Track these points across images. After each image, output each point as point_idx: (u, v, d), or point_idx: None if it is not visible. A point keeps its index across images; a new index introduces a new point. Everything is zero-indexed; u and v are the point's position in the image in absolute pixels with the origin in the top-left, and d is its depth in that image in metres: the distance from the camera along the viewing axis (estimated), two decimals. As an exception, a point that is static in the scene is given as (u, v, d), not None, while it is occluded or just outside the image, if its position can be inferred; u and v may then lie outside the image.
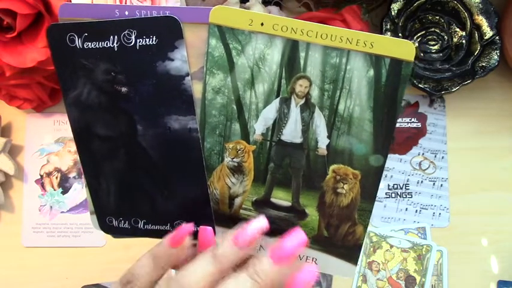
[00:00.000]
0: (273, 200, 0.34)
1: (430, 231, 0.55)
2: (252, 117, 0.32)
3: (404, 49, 0.30)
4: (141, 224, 0.35)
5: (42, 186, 0.56)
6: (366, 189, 0.33)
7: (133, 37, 0.31)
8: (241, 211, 0.34)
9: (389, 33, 0.52)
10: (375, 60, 0.30)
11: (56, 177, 0.57)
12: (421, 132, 0.57)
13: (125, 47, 0.31)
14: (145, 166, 0.34)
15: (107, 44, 0.32)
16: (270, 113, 0.32)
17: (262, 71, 0.32)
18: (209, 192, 0.34)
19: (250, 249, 0.30)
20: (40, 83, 0.52)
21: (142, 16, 0.31)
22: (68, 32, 0.32)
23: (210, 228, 0.34)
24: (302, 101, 0.32)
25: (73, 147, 0.56)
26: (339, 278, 0.55)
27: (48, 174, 0.57)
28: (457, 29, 0.53)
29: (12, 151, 0.56)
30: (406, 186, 0.56)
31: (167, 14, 0.31)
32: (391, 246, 0.55)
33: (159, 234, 0.35)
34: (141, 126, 0.33)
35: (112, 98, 0.33)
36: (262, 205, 0.34)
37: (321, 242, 0.34)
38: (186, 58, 0.31)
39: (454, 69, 0.52)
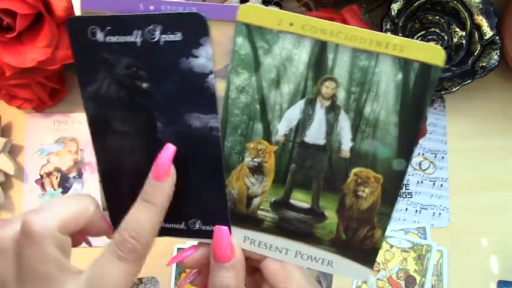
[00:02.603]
0: (292, 201, 0.33)
1: (430, 231, 0.55)
2: (275, 118, 0.32)
3: (434, 54, 0.30)
4: None
5: (42, 186, 0.56)
6: (387, 193, 0.32)
7: (157, 32, 0.31)
8: (259, 211, 0.34)
9: (389, 33, 0.52)
10: (404, 64, 0.30)
11: (56, 177, 0.57)
12: (421, 132, 0.57)
13: (148, 43, 0.31)
14: None
15: (129, 39, 0.31)
16: (294, 113, 0.32)
17: (288, 71, 0.31)
18: (227, 191, 0.33)
19: (171, 180, 0.31)
20: (40, 83, 0.52)
21: (168, 11, 0.31)
22: (90, 24, 0.31)
23: (225, 227, 0.33)
24: (327, 103, 0.32)
25: (73, 147, 0.56)
26: (339, 278, 0.55)
27: (48, 174, 0.57)
28: (457, 29, 0.53)
29: (12, 151, 0.56)
30: (406, 186, 0.56)
31: (194, 11, 0.30)
32: (391, 246, 0.55)
33: (173, 233, 0.34)
34: (160, 123, 0.32)
35: (132, 93, 0.32)
36: (280, 206, 0.34)
37: (338, 244, 0.34)
38: (211, 55, 0.31)
39: (454, 69, 0.52)
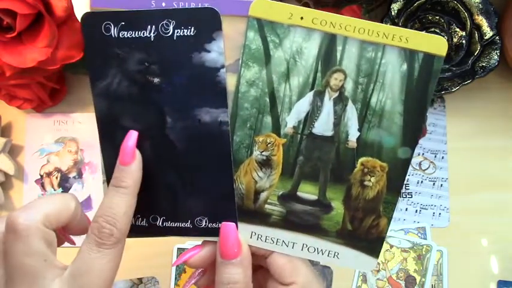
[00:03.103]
0: (299, 193, 0.34)
1: (430, 231, 0.55)
2: (284, 110, 0.32)
3: (437, 44, 0.31)
4: (160, 221, 0.34)
5: (42, 186, 0.56)
6: (392, 181, 0.33)
7: (171, 27, 0.31)
8: (266, 206, 0.34)
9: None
10: (409, 55, 0.31)
11: (56, 177, 0.57)
12: (421, 132, 0.57)
13: (161, 37, 0.31)
14: (170, 159, 0.33)
15: (143, 34, 0.31)
16: (303, 106, 0.32)
17: (298, 64, 0.32)
18: (234, 187, 0.33)
19: (136, 162, 0.32)
20: (40, 83, 0.52)
21: (181, 7, 0.31)
22: (105, 20, 0.31)
23: (232, 224, 0.33)
24: (336, 94, 0.32)
25: (73, 147, 0.56)
26: (339, 277, 0.55)
27: (48, 174, 0.57)
28: (457, 29, 0.53)
29: (12, 151, 0.56)
30: (406, 186, 0.56)
31: (206, 6, 0.31)
32: (391, 246, 0.55)
33: (178, 232, 0.34)
34: (170, 118, 0.32)
35: (143, 88, 0.32)
36: (288, 199, 0.34)
37: (344, 235, 0.34)
38: (223, 50, 0.31)
39: (454, 69, 0.53)
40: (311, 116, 0.33)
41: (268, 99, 0.32)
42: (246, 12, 0.31)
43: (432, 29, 0.54)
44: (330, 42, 0.31)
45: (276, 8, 0.31)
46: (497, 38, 0.51)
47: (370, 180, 0.33)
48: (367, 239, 0.34)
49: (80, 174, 0.56)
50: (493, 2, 0.52)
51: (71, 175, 0.57)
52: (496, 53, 0.52)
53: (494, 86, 0.57)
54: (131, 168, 0.31)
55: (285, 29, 0.31)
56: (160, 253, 0.54)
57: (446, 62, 0.53)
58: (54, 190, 0.56)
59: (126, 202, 0.31)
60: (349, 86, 0.32)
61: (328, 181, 0.34)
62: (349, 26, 0.31)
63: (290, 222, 0.34)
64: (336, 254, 0.34)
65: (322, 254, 0.34)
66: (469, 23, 0.52)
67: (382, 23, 0.52)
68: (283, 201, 0.34)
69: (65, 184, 0.56)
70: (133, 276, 0.54)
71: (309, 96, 0.32)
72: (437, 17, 0.53)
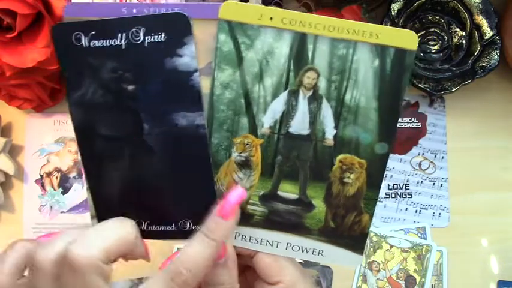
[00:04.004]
0: (280, 193, 0.34)
1: (430, 231, 0.55)
2: (260, 111, 0.33)
3: (408, 38, 0.31)
4: (144, 226, 0.35)
5: (42, 186, 0.56)
6: (371, 177, 0.33)
7: (141, 34, 0.31)
8: (248, 206, 0.34)
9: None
10: (380, 51, 0.31)
11: (56, 177, 0.57)
12: (421, 132, 0.57)
13: (133, 45, 0.31)
14: (150, 165, 0.33)
15: (114, 42, 0.31)
16: (278, 105, 0.33)
17: (270, 65, 0.32)
18: (216, 188, 0.34)
19: (234, 220, 0.31)
20: (40, 83, 0.52)
21: (151, 13, 0.31)
22: (74, 30, 0.32)
23: None
24: (310, 93, 0.32)
25: (73, 147, 0.56)
26: (339, 277, 0.55)
27: (48, 174, 0.57)
28: (457, 29, 0.53)
29: (12, 151, 0.56)
30: (406, 186, 0.56)
31: (176, 11, 0.31)
32: (391, 246, 0.55)
33: (163, 236, 0.35)
34: (147, 125, 0.33)
35: (118, 96, 0.32)
36: (269, 199, 0.34)
37: (327, 233, 0.34)
38: (195, 54, 0.31)
39: (454, 69, 0.53)
40: (286, 116, 0.33)
41: (243, 101, 0.32)
42: (216, 16, 0.31)
43: (432, 29, 0.54)
44: (300, 41, 0.31)
45: (245, 10, 0.31)
46: (497, 38, 0.51)
47: (349, 177, 0.33)
48: (350, 235, 0.34)
49: (80, 174, 0.56)
50: (493, 2, 0.52)
51: (71, 175, 0.57)
52: (496, 53, 0.52)
53: (494, 86, 0.57)
54: (228, 224, 0.31)
55: (255, 30, 0.31)
56: (160, 253, 0.54)
57: (446, 62, 0.53)
58: (54, 190, 0.56)
59: (210, 255, 0.30)
60: (322, 84, 0.32)
61: (308, 179, 0.34)
62: (319, 24, 0.31)
63: (273, 222, 0.34)
64: (321, 251, 0.34)
65: (307, 252, 0.34)
66: (469, 23, 0.52)
67: (382, 23, 0.52)
68: (264, 201, 0.34)
69: (65, 184, 0.56)
70: (133, 276, 0.54)
71: (283, 96, 0.32)
72: (437, 17, 0.53)
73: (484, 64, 0.52)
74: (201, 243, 0.30)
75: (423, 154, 0.57)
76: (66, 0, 0.46)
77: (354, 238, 0.34)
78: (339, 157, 0.33)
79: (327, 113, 0.32)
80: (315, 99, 0.32)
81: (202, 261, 0.30)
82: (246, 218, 0.34)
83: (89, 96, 0.33)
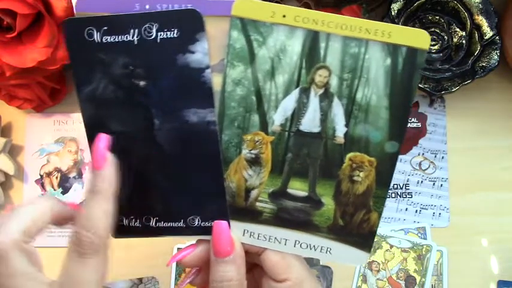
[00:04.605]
0: (289, 190, 0.34)
1: (430, 231, 0.55)
2: (271, 108, 0.33)
3: (420, 38, 0.31)
4: (153, 222, 0.34)
5: (42, 186, 0.56)
6: (381, 176, 0.33)
7: (154, 30, 0.31)
8: (257, 203, 0.34)
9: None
10: (392, 49, 0.31)
11: (56, 177, 0.57)
12: (421, 132, 0.57)
13: (145, 40, 0.31)
14: (160, 161, 0.33)
15: (126, 38, 0.31)
16: (289, 103, 0.33)
17: (282, 62, 0.32)
18: (225, 185, 0.34)
19: (109, 165, 0.31)
20: (40, 83, 0.52)
21: (164, 9, 0.31)
22: (87, 26, 0.32)
23: (225, 222, 0.34)
24: (321, 91, 0.32)
25: (73, 147, 0.56)
26: (339, 277, 0.55)
27: (48, 174, 0.57)
28: (457, 29, 0.53)
29: (12, 151, 0.56)
30: (406, 186, 0.56)
31: (189, 7, 0.31)
32: (391, 246, 0.55)
33: (172, 232, 0.34)
34: (158, 121, 0.33)
35: (129, 92, 0.32)
36: (278, 196, 0.34)
37: (336, 231, 0.34)
38: (207, 50, 0.31)
39: (454, 69, 0.53)
40: (297, 113, 0.33)
41: (254, 98, 0.33)
42: (229, 12, 0.31)
43: (432, 29, 0.54)
44: (313, 39, 0.31)
45: (258, 7, 0.31)
46: (497, 38, 0.51)
47: (359, 175, 0.33)
48: (359, 233, 0.34)
49: (80, 174, 0.56)
50: (493, 2, 0.52)
51: (71, 175, 0.57)
52: (496, 53, 0.52)
53: (494, 86, 0.57)
54: (104, 172, 0.31)
55: (268, 27, 0.31)
56: (160, 253, 0.54)
57: (446, 62, 0.53)
58: (54, 190, 0.56)
59: (102, 207, 0.30)
60: (334, 82, 0.32)
61: (318, 177, 0.34)
62: (332, 22, 0.31)
63: (281, 219, 0.34)
64: (329, 249, 0.34)
65: (315, 250, 0.34)
66: (469, 23, 0.52)
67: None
68: (273, 199, 0.34)
69: (65, 184, 0.56)
70: (133, 276, 0.54)
71: (295, 93, 0.32)
72: (437, 17, 0.53)
73: (484, 64, 0.52)
74: (89, 202, 0.30)
75: (423, 154, 0.57)
76: (67, 0, 0.46)
77: (362, 236, 0.34)
78: (349, 155, 0.33)
79: (338, 111, 0.33)
80: (326, 97, 0.32)
81: (96, 216, 0.30)
82: (255, 215, 0.34)
83: (99, 92, 0.33)
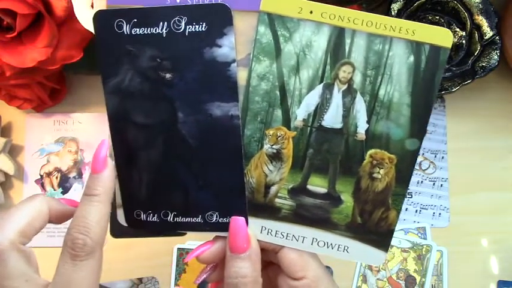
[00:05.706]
0: (309, 187, 0.34)
1: (430, 231, 0.55)
2: (294, 103, 0.33)
3: (443, 36, 0.31)
4: (171, 217, 0.34)
5: (42, 186, 0.56)
6: (400, 173, 0.33)
7: (183, 23, 0.32)
8: (276, 200, 0.34)
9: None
10: (416, 47, 0.32)
11: (56, 177, 0.57)
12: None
13: (173, 33, 0.32)
14: (182, 154, 0.33)
15: (155, 30, 0.32)
16: (312, 98, 0.33)
17: (307, 58, 0.32)
18: (245, 181, 0.34)
19: (108, 170, 0.32)
20: (40, 83, 0.52)
21: (194, 3, 0.32)
22: (117, 17, 0.32)
23: (242, 218, 0.33)
24: (344, 87, 0.33)
25: (73, 147, 0.56)
26: (339, 277, 0.55)
27: (48, 174, 0.57)
28: (457, 29, 0.53)
29: (12, 151, 0.56)
30: (406, 186, 0.56)
31: (219, 1, 0.31)
32: (391, 246, 0.55)
33: (189, 227, 0.34)
34: (182, 113, 0.33)
35: (155, 84, 0.33)
36: (298, 193, 0.34)
37: (354, 229, 0.34)
38: (234, 45, 0.32)
39: (454, 69, 0.53)
40: (320, 109, 0.33)
41: (278, 93, 0.33)
42: (257, 7, 0.32)
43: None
44: (338, 35, 0.32)
45: (286, 3, 0.32)
46: (497, 38, 0.51)
47: (379, 172, 0.33)
48: (377, 232, 0.34)
49: (80, 174, 0.56)
50: (493, 2, 0.52)
51: (71, 175, 0.57)
52: (496, 53, 0.52)
53: (494, 86, 0.57)
54: (103, 176, 0.31)
55: (294, 23, 0.32)
56: (160, 253, 0.54)
57: (446, 62, 0.53)
58: (54, 190, 0.56)
59: (98, 211, 0.30)
60: (357, 79, 0.32)
61: (338, 174, 0.34)
62: (357, 19, 0.32)
63: (300, 216, 0.34)
64: (346, 248, 0.34)
65: (332, 248, 0.34)
66: (469, 23, 0.52)
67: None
68: (293, 195, 0.34)
69: (65, 184, 0.56)
70: (133, 276, 0.54)
71: (319, 88, 0.33)
72: (437, 17, 0.53)
73: (484, 64, 0.52)
74: (86, 204, 0.30)
75: (423, 154, 0.57)
76: (67, 0, 0.46)
77: (380, 234, 0.34)
78: (370, 152, 0.33)
79: (360, 107, 0.33)
80: (349, 93, 0.33)
81: (92, 219, 0.30)
82: (273, 212, 0.34)
83: (125, 84, 0.33)
